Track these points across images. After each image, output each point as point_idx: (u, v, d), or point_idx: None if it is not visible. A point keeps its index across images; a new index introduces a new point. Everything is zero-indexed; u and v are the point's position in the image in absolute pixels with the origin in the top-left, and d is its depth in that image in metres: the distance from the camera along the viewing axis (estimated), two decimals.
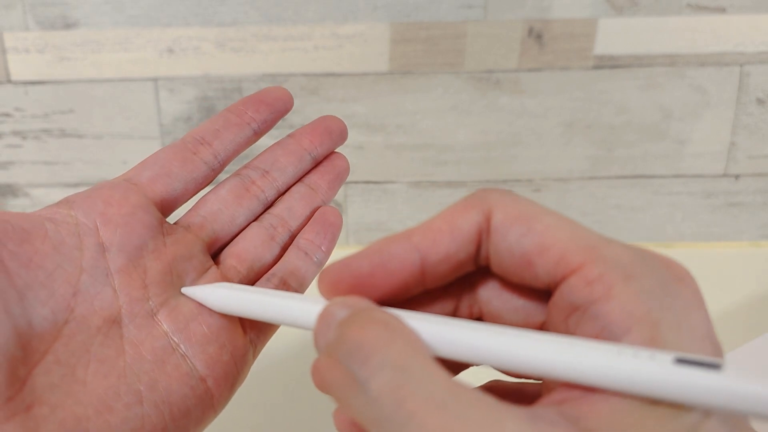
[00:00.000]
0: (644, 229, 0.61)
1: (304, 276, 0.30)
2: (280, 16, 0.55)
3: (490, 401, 0.16)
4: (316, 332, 0.20)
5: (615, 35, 0.55)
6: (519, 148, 0.59)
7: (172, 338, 0.26)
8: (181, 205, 0.30)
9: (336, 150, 0.33)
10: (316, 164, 0.33)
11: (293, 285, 0.30)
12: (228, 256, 0.29)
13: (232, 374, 0.27)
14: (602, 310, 0.18)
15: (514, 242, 0.19)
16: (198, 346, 0.26)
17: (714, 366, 0.16)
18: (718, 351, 0.18)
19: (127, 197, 0.27)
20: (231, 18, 0.55)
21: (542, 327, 0.21)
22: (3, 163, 0.59)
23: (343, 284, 0.20)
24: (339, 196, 0.60)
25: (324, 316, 0.20)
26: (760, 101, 0.57)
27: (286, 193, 0.32)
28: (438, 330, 0.19)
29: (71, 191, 0.61)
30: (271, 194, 0.31)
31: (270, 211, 0.31)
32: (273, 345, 0.31)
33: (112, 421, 0.23)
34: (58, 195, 0.60)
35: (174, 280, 0.27)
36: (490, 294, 0.21)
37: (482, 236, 0.20)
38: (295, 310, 0.22)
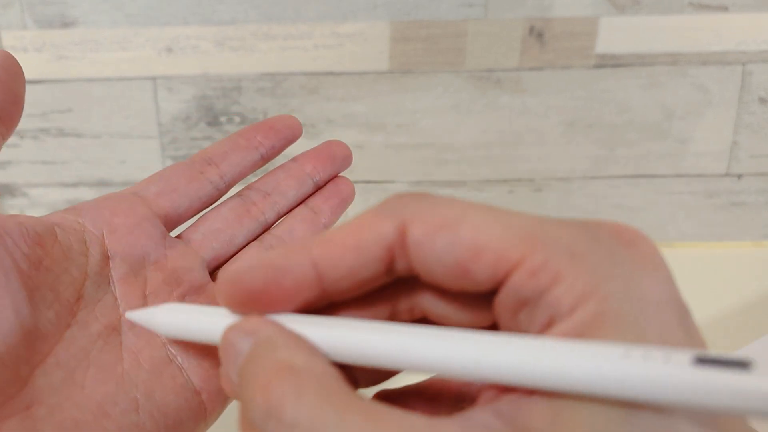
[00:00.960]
0: (646, 229, 0.61)
1: None
2: (280, 14, 0.55)
3: (416, 423, 0.15)
4: (222, 365, 0.19)
5: (616, 34, 0.55)
6: (520, 147, 0.58)
7: (169, 349, 0.26)
8: (184, 222, 0.31)
9: (341, 174, 0.34)
10: (318, 188, 0.33)
11: None
12: None
13: None
14: (551, 297, 0.17)
15: (443, 252, 0.17)
16: (194, 359, 0.26)
17: (742, 364, 0.14)
18: (683, 313, 0.17)
19: (134, 209, 0.28)
20: (230, 17, 0.55)
21: (492, 328, 0.19)
22: (1, 163, 0.59)
23: (238, 298, 0.19)
24: None
25: (226, 349, 0.19)
26: (762, 100, 0.57)
27: (288, 215, 0.32)
28: (344, 340, 0.17)
29: (69, 191, 0.61)
30: (271, 216, 0.32)
31: (270, 231, 0.31)
32: None
33: (108, 426, 0.23)
34: (56, 195, 0.60)
35: (173, 292, 0.27)
36: (429, 302, 0.20)
37: (395, 252, 0.18)
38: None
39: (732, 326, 0.50)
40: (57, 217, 0.26)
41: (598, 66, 0.56)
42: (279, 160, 0.33)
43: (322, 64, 0.56)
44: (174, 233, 0.30)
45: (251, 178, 0.34)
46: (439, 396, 0.21)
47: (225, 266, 0.24)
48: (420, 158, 0.59)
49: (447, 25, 0.55)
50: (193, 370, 0.26)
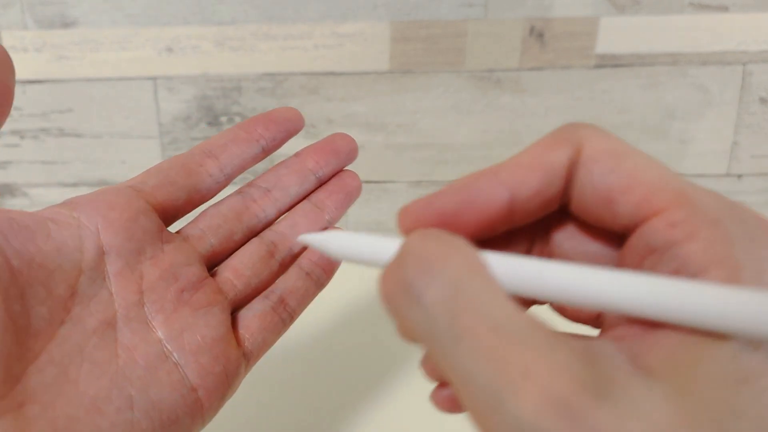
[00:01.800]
0: None
1: (303, 296, 0.30)
2: (280, 14, 0.55)
3: (547, 329, 0.16)
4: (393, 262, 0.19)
5: (617, 34, 0.55)
6: (520, 147, 0.58)
7: (165, 345, 0.26)
8: (183, 216, 0.30)
9: (347, 168, 0.33)
10: (321, 183, 0.32)
11: (292, 304, 0.30)
12: (225, 270, 0.30)
13: (223, 386, 0.27)
14: (682, 251, 0.17)
15: (599, 178, 0.18)
16: (191, 355, 0.26)
17: None
18: None
19: (130, 203, 0.27)
20: (230, 17, 0.55)
21: None
22: (1, 163, 0.59)
23: (427, 223, 0.20)
24: None
25: (402, 245, 0.19)
26: (762, 100, 0.57)
27: (291, 210, 0.32)
28: (515, 266, 0.18)
29: (69, 191, 0.61)
30: (272, 213, 0.31)
31: (272, 227, 0.31)
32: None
33: (101, 424, 0.23)
34: (56, 194, 0.60)
35: (170, 287, 0.27)
36: (563, 237, 0.21)
37: (572, 172, 0.19)
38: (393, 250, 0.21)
39: None
40: (51, 212, 0.26)
41: (598, 66, 0.56)
42: (284, 153, 0.33)
43: (322, 64, 0.56)
44: (174, 227, 0.30)
45: (256, 171, 0.34)
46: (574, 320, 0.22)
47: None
48: (420, 158, 0.58)
49: (447, 25, 0.55)
50: (190, 366, 0.26)
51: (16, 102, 0.57)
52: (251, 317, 0.29)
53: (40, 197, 0.60)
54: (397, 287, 0.17)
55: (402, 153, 0.58)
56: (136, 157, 0.58)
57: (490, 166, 0.19)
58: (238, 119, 0.57)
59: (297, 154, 0.32)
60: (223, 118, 0.57)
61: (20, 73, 0.56)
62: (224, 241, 0.30)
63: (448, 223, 0.19)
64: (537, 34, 0.55)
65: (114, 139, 0.58)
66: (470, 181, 0.19)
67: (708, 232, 0.17)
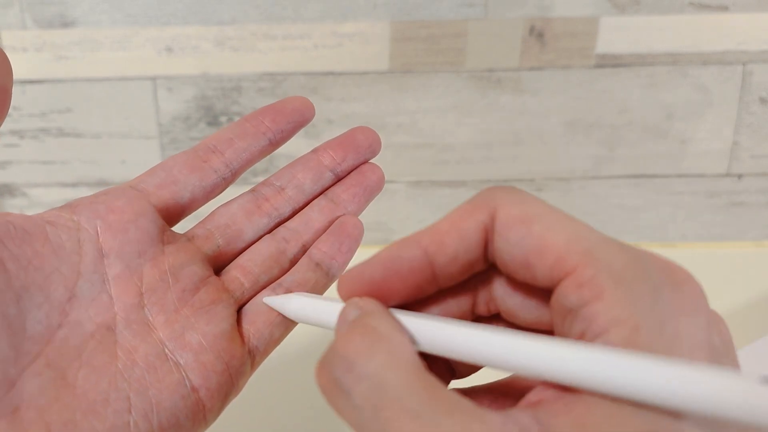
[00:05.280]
0: (646, 229, 0.61)
1: (313, 288, 0.29)
2: (280, 14, 0.55)
3: (465, 408, 0.17)
4: (335, 332, 0.22)
5: (617, 34, 0.55)
6: (520, 147, 0.58)
7: (166, 346, 0.25)
8: (189, 214, 0.29)
9: (371, 161, 0.32)
10: (338, 179, 0.32)
11: None
12: (233, 268, 0.29)
13: (226, 385, 0.26)
14: (589, 311, 0.18)
15: (515, 244, 0.20)
16: (192, 355, 0.25)
17: None
18: (714, 358, 0.18)
19: (131, 204, 0.27)
20: (230, 17, 0.55)
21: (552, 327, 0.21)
22: (0, 163, 0.59)
23: (360, 291, 0.21)
24: None
25: (341, 318, 0.21)
26: (762, 100, 0.57)
27: (306, 207, 0.31)
28: (433, 331, 0.20)
29: (69, 191, 0.61)
30: (286, 211, 0.30)
31: (286, 224, 0.30)
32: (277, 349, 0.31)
33: (98, 427, 0.23)
34: (55, 194, 0.60)
35: (170, 288, 0.27)
36: (502, 292, 0.22)
37: (488, 236, 0.20)
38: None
39: (732, 326, 0.50)
40: (51, 215, 0.25)
41: (598, 66, 0.56)
42: (301, 147, 0.33)
43: (322, 64, 0.56)
44: (183, 227, 0.29)
45: (266, 168, 0.33)
46: (503, 396, 0.23)
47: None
48: (420, 158, 0.58)
49: (447, 25, 0.55)
50: (190, 366, 0.25)
51: (15, 102, 0.57)
52: (256, 312, 0.28)
53: (39, 197, 0.60)
54: (329, 383, 0.19)
55: (402, 153, 0.58)
56: (135, 157, 0.58)
57: (416, 233, 0.21)
58: (237, 119, 0.57)
59: (314, 150, 0.32)
60: (223, 118, 0.57)
61: (20, 73, 0.56)
62: (233, 241, 0.29)
63: (379, 290, 0.21)
64: (537, 34, 0.55)
65: (113, 139, 0.58)
66: (394, 251, 0.21)
67: (612, 291, 0.18)
